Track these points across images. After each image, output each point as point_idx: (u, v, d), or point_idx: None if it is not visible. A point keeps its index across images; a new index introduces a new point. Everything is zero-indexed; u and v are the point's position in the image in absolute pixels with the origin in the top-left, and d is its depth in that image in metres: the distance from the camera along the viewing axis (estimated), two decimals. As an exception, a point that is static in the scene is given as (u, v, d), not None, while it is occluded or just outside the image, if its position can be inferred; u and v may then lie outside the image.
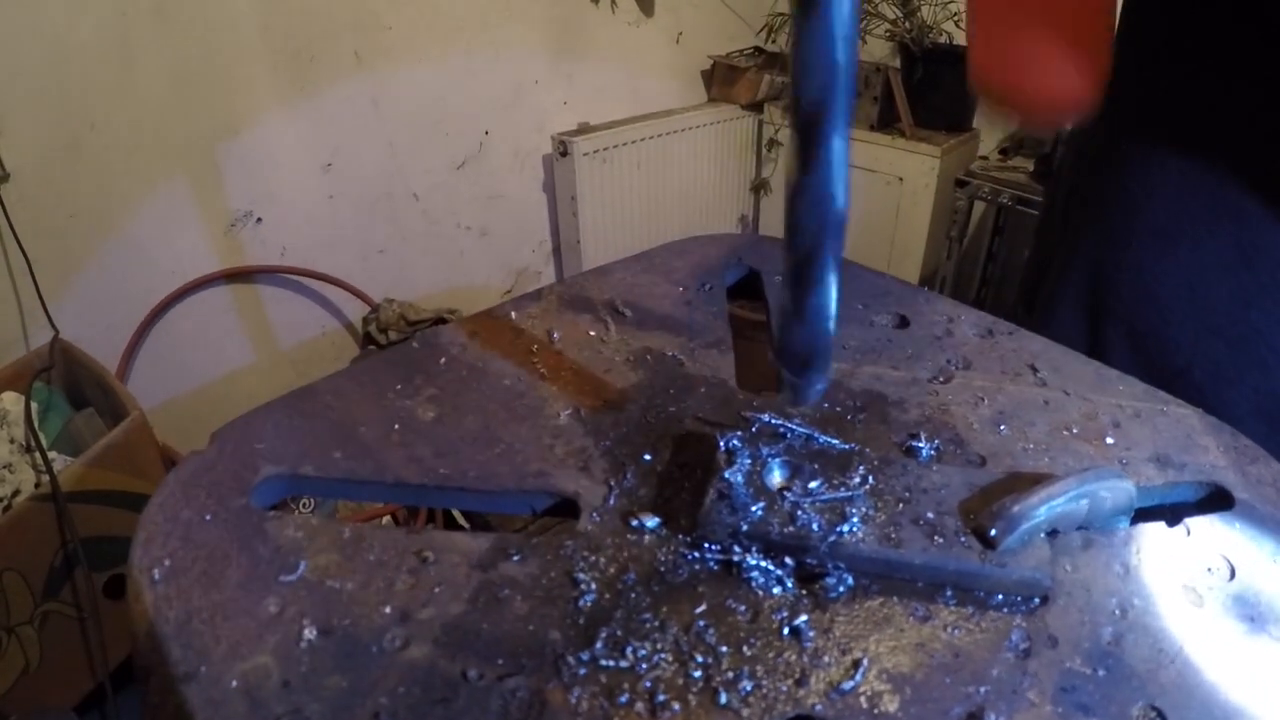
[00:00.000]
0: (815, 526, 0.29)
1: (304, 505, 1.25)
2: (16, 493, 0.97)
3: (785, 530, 0.29)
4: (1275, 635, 0.28)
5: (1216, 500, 0.35)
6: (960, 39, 1.93)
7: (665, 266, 0.53)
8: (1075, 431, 0.38)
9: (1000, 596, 0.29)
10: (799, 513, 0.29)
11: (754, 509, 0.29)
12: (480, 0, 1.56)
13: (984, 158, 1.90)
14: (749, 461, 0.31)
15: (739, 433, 0.33)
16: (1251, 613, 0.29)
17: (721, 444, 0.33)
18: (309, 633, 0.27)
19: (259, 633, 0.27)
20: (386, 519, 1.29)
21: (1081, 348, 0.45)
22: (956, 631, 0.28)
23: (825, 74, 0.20)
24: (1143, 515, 0.34)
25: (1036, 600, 0.29)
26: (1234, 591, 0.30)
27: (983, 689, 0.26)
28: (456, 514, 1.26)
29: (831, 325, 0.24)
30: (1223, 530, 0.33)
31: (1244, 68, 0.48)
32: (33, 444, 0.98)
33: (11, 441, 0.99)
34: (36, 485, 0.97)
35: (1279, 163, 0.47)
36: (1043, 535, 0.30)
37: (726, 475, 0.31)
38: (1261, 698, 0.26)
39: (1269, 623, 0.29)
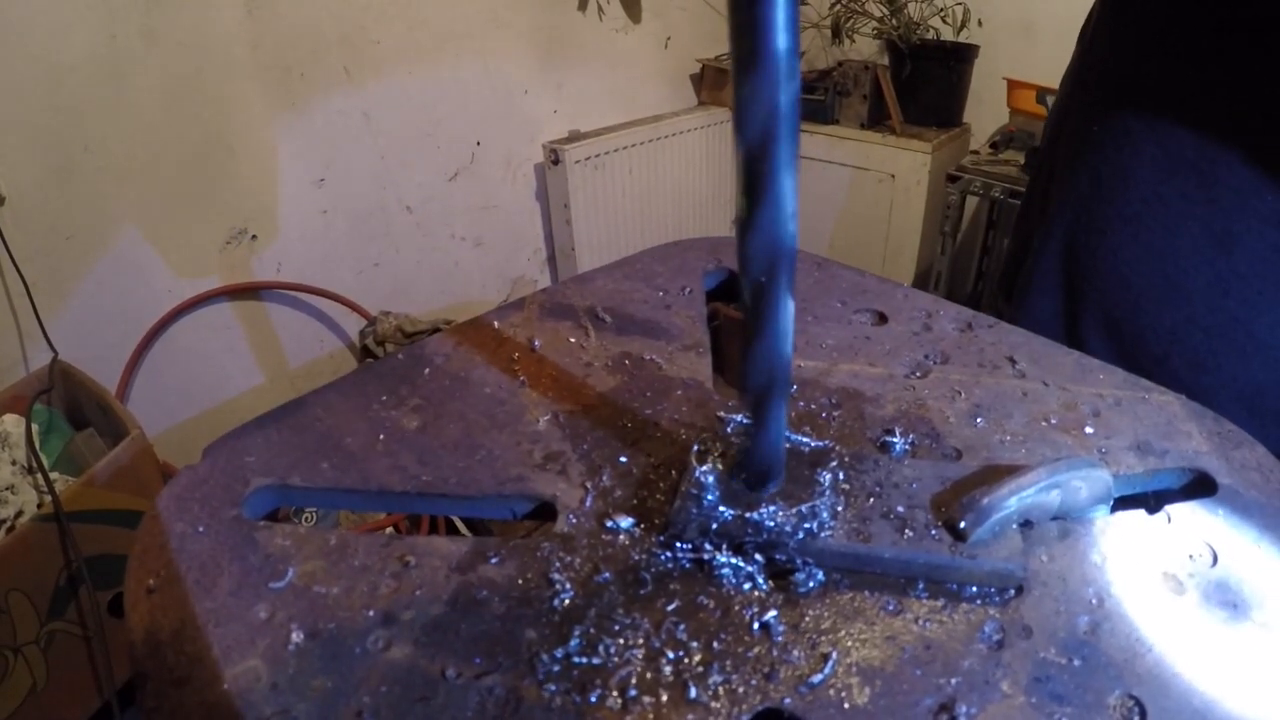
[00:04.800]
0: (785, 524, 0.29)
1: (307, 519, 1.25)
2: (19, 514, 0.97)
3: (754, 528, 0.29)
4: (1258, 621, 0.28)
5: (1199, 486, 0.35)
6: (947, 34, 1.94)
7: (646, 272, 0.53)
8: (1054, 422, 0.38)
9: (974, 588, 0.29)
10: (768, 510, 0.30)
11: (724, 508, 0.30)
12: (467, 11, 1.57)
13: (975, 152, 1.91)
14: (721, 461, 0.32)
15: (712, 433, 0.34)
16: (1234, 599, 0.29)
17: (695, 445, 0.33)
18: (296, 636, 0.28)
19: (249, 638, 0.28)
20: (389, 530, 1.29)
21: (1058, 335, 0.45)
22: (928, 624, 0.28)
23: (766, 118, 0.21)
24: (1123, 504, 0.33)
25: (1011, 591, 0.29)
26: (1216, 578, 0.30)
27: (954, 680, 0.26)
28: (458, 522, 1.27)
29: (789, 351, 0.24)
30: (1205, 516, 0.32)
31: (1219, 52, 0.47)
32: (34, 465, 0.99)
33: (13, 463, 1.00)
34: (39, 506, 0.98)
35: (1255, 149, 0.47)
36: (1015, 526, 0.30)
37: (698, 475, 0.31)
38: (1242, 684, 0.26)
39: (1251, 609, 0.28)
